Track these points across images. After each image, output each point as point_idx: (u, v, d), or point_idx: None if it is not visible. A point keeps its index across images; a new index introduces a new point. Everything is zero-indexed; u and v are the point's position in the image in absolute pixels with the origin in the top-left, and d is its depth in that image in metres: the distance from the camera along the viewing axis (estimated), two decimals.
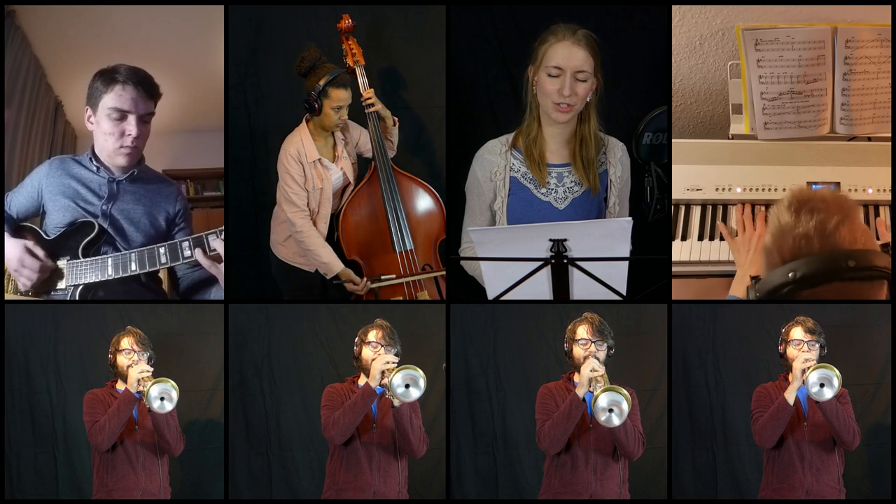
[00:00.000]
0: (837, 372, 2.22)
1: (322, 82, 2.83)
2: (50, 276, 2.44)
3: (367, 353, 2.40)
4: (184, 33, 3.80)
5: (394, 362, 2.32)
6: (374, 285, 2.90)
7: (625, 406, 2.19)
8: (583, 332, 2.36)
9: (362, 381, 2.40)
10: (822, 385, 2.22)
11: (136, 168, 2.56)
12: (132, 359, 2.41)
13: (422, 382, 2.26)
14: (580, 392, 2.26)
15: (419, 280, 2.97)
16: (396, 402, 2.29)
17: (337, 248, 3.03)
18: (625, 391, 2.19)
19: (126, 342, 2.43)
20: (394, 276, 2.93)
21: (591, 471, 2.32)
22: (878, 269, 1.66)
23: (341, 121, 2.92)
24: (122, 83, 2.39)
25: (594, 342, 2.34)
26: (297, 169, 2.88)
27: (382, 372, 2.29)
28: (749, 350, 2.85)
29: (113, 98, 2.39)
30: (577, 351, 2.36)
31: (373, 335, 2.41)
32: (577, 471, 2.32)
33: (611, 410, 2.19)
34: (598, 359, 2.32)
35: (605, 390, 2.19)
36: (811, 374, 2.23)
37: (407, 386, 2.26)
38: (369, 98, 2.96)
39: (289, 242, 3.02)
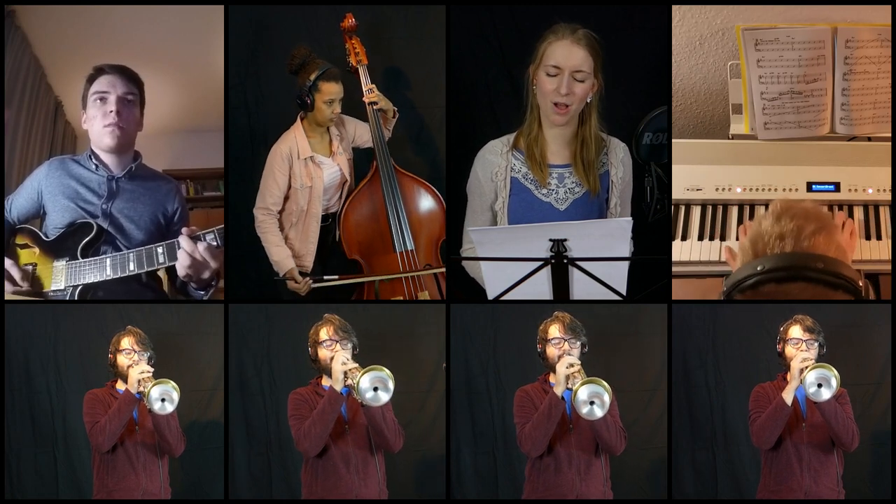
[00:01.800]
0: (835, 372, 2.20)
1: (312, 77, 2.85)
2: (32, 293, 2.44)
3: (323, 353, 2.33)
4: (184, 33, 3.80)
5: (354, 364, 2.24)
6: (317, 285, 2.91)
7: (606, 398, 2.16)
8: (555, 331, 2.34)
9: (325, 381, 2.34)
10: (819, 385, 2.20)
11: (132, 164, 2.57)
12: (132, 359, 2.41)
13: (390, 384, 2.18)
14: (558, 390, 2.24)
15: (421, 280, 2.97)
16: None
17: (338, 247, 3.04)
18: (604, 382, 2.17)
19: (126, 342, 2.43)
20: (336, 276, 2.94)
21: (575, 471, 2.30)
22: (846, 279, 1.65)
23: (334, 114, 2.93)
24: (103, 73, 2.54)
25: (567, 340, 2.32)
26: (283, 168, 2.89)
27: (345, 373, 2.23)
28: (749, 350, 2.85)
29: (95, 85, 2.53)
30: (551, 351, 2.33)
31: (324, 333, 2.34)
32: (560, 472, 2.30)
33: (592, 403, 2.16)
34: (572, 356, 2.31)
35: (584, 383, 2.16)
36: (809, 374, 2.20)
37: (375, 389, 2.18)
38: (372, 97, 2.97)
39: (287, 243, 3.02)
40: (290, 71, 2.91)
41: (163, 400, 2.30)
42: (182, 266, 2.25)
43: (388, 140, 3.07)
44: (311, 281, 2.91)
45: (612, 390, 2.19)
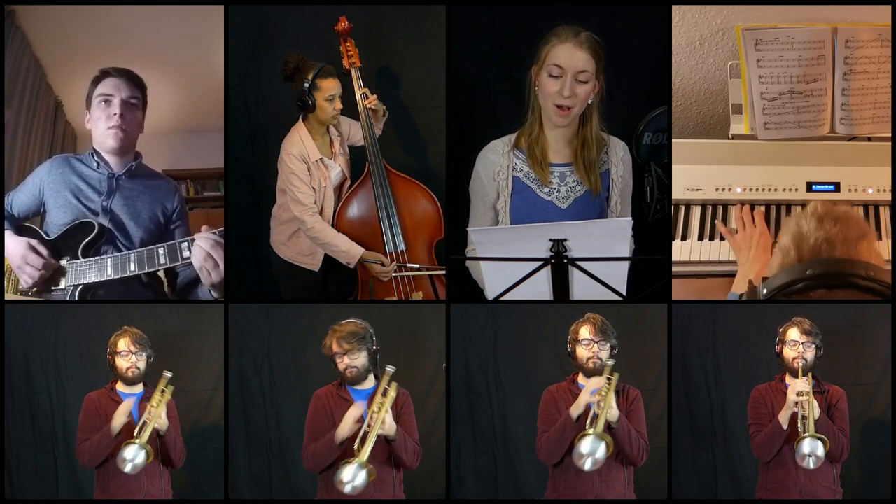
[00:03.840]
0: (826, 441, 2.25)
1: (310, 76, 2.87)
2: (52, 275, 2.44)
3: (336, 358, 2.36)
4: (184, 33, 3.80)
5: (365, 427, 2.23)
6: (398, 274, 2.92)
7: (600, 454, 2.19)
8: (585, 332, 2.37)
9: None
10: (809, 455, 2.25)
11: (133, 163, 2.59)
12: (131, 361, 2.42)
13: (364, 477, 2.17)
14: (574, 412, 2.27)
15: (412, 280, 2.97)
16: (391, 434, 2.25)
17: None
18: (608, 438, 2.21)
19: (123, 344, 2.44)
20: (418, 266, 2.94)
21: (596, 473, 2.31)
22: (885, 286, 1.69)
23: (336, 111, 2.94)
24: (108, 76, 2.58)
25: (597, 342, 2.35)
26: (302, 167, 2.89)
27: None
28: (749, 350, 2.85)
29: (100, 88, 2.56)
30: (581, 352, 2.36)
31: (336, 346, 2.34)
32: (581, 473, 2.30)
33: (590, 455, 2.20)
34: (601, 359, 2.34)
35: (584, 436, 2.20)
36: (803, 444, 2.25)
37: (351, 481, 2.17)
38: (372, 103, 2.99)
39: (292, 242, 3.02)
40: (285, 77, 2.93)
41: (133, 460, 2.29)
42: (198, 258, 2.24)
43: (378, 137, 3.07)
44: (395, 265, 2.92)
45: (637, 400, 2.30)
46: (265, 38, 3.21)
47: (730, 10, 2.89)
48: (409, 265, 2.94)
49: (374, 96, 3.01)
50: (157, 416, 2.33)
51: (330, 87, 2.90)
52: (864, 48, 2.70)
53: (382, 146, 3.06)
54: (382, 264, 2.92)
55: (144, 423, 2.32)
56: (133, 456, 2.28)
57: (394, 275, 2.92)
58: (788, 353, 2.39)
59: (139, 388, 2.45)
